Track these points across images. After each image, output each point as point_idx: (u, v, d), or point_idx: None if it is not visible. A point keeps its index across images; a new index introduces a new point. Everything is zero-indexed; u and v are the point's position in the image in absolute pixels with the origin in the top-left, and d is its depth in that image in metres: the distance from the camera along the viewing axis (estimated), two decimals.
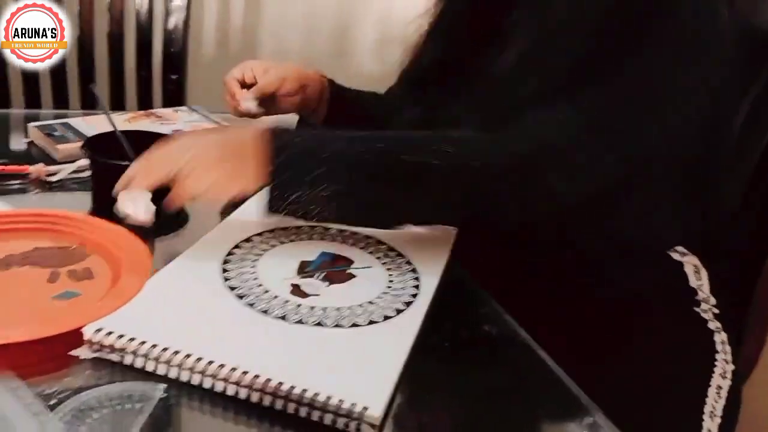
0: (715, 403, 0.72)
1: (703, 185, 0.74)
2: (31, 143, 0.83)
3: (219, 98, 0.95)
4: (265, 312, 0.55)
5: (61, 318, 0.50)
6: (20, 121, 1.02)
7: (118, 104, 1.24)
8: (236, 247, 0.64)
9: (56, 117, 0.91)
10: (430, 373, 0.54)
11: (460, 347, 0.57)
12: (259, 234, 0.67)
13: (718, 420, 0.71)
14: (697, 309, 0.76)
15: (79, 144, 0.79)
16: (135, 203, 0.63)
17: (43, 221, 0.62)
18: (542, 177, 0.60)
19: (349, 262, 0.64)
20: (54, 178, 0.74)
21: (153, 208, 0.63)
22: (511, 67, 0.66)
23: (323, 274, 0.62)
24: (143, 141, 0.75)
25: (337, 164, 0.58)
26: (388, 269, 0.64)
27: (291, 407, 0.45)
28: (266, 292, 0.57)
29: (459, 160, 0.60)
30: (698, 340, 0.76)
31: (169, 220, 0.66)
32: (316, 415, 0.45)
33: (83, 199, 0.71)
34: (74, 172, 0.75)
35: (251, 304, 0.55)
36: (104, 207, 0.65)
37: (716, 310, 0.77)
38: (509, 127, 0.62)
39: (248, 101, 0.81)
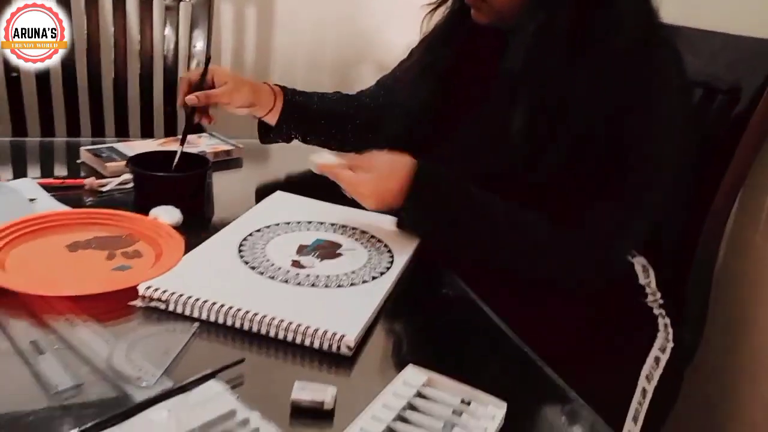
0: (652, 369, 0.87)
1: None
2: (82, 163, 1.02)
3: (233, 126, 1.14)
4: (271, 278, 0.72)
5: (120, 280, 0.67)
6: (63, 146, 1.22)
7: (147, 132, 1.44)
8: (249, 235, 0.81)
9: (93, 143, 1.10)
10: (397, 319, 0.70)
11: (422, 303, 0.74)
12: (268, 227, 0.84)
13: (655, 383, 0.86)
14: (644, 300, 0.92)
15: (123, 162, 0.97)
16: (165, 212, 0.82)
17: (100, 217, 0.80)
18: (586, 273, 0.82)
19: (338, 245, 0.82)
20: (104, 189, 0.92)
21: (179, 215, 0.81)
22: (518, 130, 0.81)
23: (317, 253, 0.79)
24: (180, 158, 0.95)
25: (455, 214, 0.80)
26: (369, 251, 0.81)
27: (290, 336, 0.62)
28: (272, 265, 0.75)
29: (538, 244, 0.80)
30: (642, 320, 0.91)
31: (193, 222, 0.84)
32: (307, 341, 0.62)
33: (127, 204, 0.88)
34: (120, 184, 0.93)
35: (261, 273, 0.72)
36: (144, 209, 0.83)
37: (661, 301, 0.93)
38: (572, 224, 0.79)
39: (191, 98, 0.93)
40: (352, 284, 0.72)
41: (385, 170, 0.80)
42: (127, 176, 0.94)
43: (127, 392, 0.53)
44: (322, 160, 0.83)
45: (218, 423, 0.50)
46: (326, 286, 0.71)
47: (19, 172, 1.02)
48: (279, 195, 0.95)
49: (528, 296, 0.84)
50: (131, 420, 0.50)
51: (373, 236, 0.85)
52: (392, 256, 0.80)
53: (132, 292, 0.66)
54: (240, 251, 0.77)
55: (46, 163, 1.15)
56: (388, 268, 0.77)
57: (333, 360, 0.61)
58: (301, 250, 0.79)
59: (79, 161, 1.02)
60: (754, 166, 0.97)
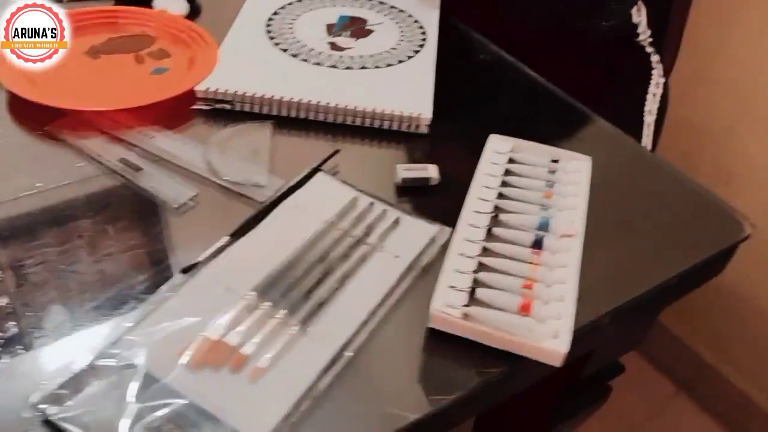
0: (652, 104, 0.96)
1: None
2: None
3: None
4: (318, 64, 0.70)
5: (175, 84, 0.64)
6: None
7: None
8: (270, 19, 0.77)
9: None
10: (448, 92, 0.71)
11: (465, 72, 0.75)
12: (282, 7, 0.79)
13: (654, 116, 0.96)
14: (637, 40, 0.97)
15: None
16: (170, 2, 0.75)
17: (106, 16, 0.72)
18: None
19: (364, 21, 0.79)
20: None
21: (185, 4, 0.75)
22: None
23: (348, 32, 0.76)
24: None
25: None
26: (396, 22, 0.79)
27: (367, 122, 0.64)
28: (311, 50, 0.72)
29: None
30: (639, 60, 0.98)
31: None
32: (386, 125, 0.64)
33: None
34: None
35: (305, 60, 0.71)
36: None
37: (651, 39, 0.98)
38: None
39: None
40: (399, 61, 0.72)
41: None
42: None
43: (245, 194, 0.55)
44: None
45: (348, 212, 0.54)
46: (376, 67, 0.71)
47: None
48: None
49: (543, 47, 0.87)
50: (266, 221, 0.53)
51: (393, 6, 0.82)
52: (421, 26, 0.79)
53: (185, 95, 0.64)
54: (272, 39, 0.73)
55: None
56: (424, 39, 0.76)
57: (410, 140, 0.64)
58: (331, 30, 0.76)
59: None
60: None
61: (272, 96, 0.63)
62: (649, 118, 0.93)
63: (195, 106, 0.63)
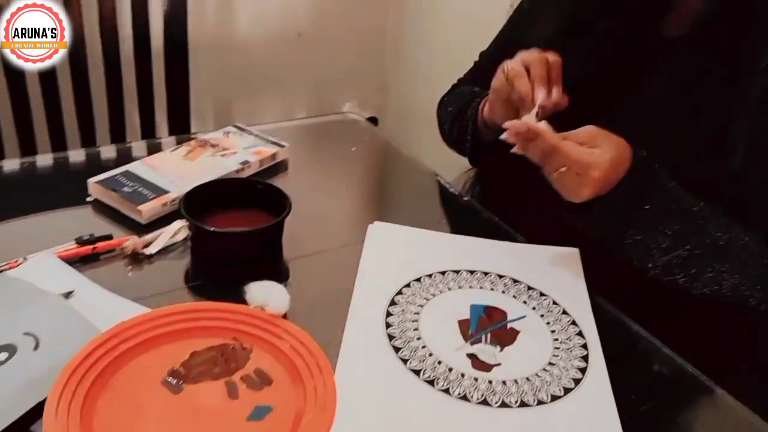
0: None
1: None
2: (94, 201, 0.74)
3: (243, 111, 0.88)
4: (463, 398, 0.53)
5: None
6: (46, 168, 0.84)
7: (119, 135, 1.15)
8: (388, 314, 0.61)
9: (91, 157, 0.83)
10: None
11: (643, 396, 0.58)
12: (400, 292, 0.64)
13: None
14: None
15: (160, 201, 0.72)
16: (269, 293, 0.60)
17: (183, 319, 0.57)
18: None
19: (503, 314, 0.63)
20: (150, 251, 0.67)
21: (287, 296, 0.60)
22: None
23: (490, 336, 0.60)
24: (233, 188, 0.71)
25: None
26: (542, 315, 0.64)
27: None
28: (450, 370, 0.56)
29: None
30: None
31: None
32: None
33: (178, 270, 0.66)
34: (171, 237, 0.68)
35: (446, 390, 0.54)
36: (209, 275, 0.64)
37: None
38: None
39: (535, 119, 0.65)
40: (565, 390, 0.55)
41: (617, 152, 0.62)
42: (176, 226, 0.69)
43: None
44: (531, 120, 0.63)
45: None
46: (539, 403, 0.54)
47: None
48: (379, 229, 0.74)
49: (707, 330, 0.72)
50: None
51: (531, 287, 0.67)
52: (574, 321, 0.63)
53: None
54: (398, 352, 0.57)
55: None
56: (584, 346, 0.60)
57: None
58: (466, 331, 0.61)
59: (89, 199, 0.75)
60: None
61: None
62: None
63: None
